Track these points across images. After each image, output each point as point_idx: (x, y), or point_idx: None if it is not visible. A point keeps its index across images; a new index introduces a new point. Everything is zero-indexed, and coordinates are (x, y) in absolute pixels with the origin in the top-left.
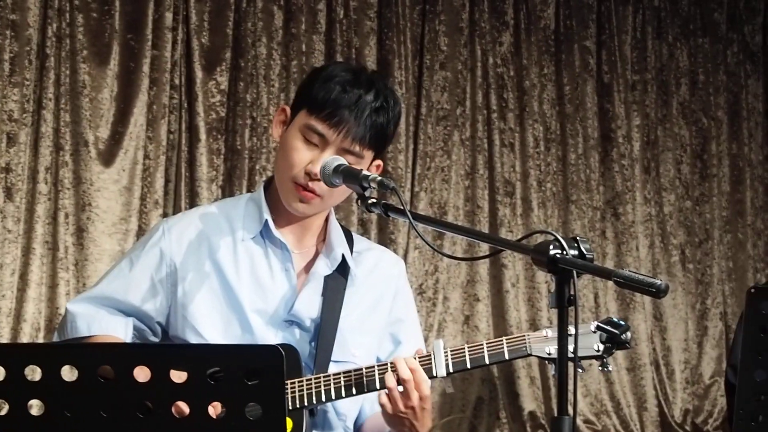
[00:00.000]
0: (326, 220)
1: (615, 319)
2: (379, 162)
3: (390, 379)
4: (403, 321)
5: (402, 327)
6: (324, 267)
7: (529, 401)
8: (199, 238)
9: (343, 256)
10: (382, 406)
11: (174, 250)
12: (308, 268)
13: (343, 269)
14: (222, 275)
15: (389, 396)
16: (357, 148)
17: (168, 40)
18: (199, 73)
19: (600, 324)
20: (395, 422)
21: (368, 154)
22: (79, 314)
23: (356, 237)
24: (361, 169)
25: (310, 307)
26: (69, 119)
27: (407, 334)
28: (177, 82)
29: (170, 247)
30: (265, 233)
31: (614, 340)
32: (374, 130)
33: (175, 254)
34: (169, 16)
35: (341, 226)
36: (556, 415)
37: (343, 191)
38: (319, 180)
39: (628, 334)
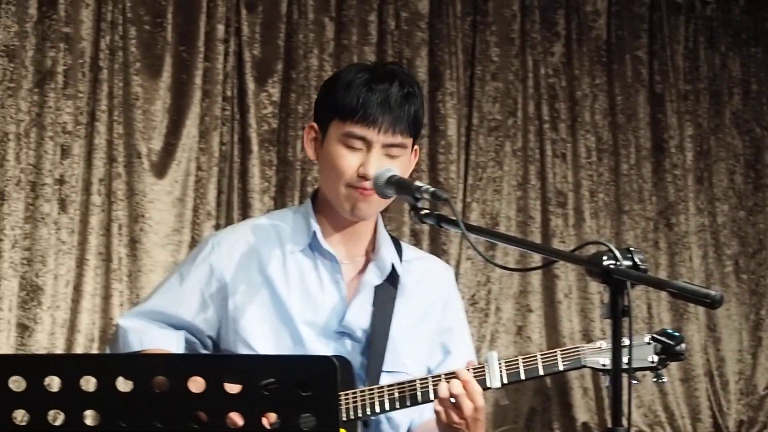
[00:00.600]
0: (374, 228)
1: (669, 331)
2: (416, 147)
3: (443, 390)
4: (452, 330)
5: (452, 336)
6: (374, 277)
7: (582, 412)
8: (248, 251)
9: (392, 265)
10: (436, 414)
11: (224, 264)
12: (358, 278)
13: (392, 278)
14: (272, 288)
15: (443, 407)
16: (399, 140)
17: (220, 52)
18: (251, 85)
19: (655, 335)
20: None
21: (409, 142)
22: (131, 329)
23: (405, 245)
24: (414, 180)
25: (360, 317)
26: (122, 131)
27: (457, 344)
28: (229, 93)
29: (220, 261)
30: (314, 245)
31: (669, 351)
32: (410, 118)
33: (225, 269)
34: (221, 28)
35: (390, 234)
36: (609, 426)
37: None
38: (370, 180)
39: (683, 345)
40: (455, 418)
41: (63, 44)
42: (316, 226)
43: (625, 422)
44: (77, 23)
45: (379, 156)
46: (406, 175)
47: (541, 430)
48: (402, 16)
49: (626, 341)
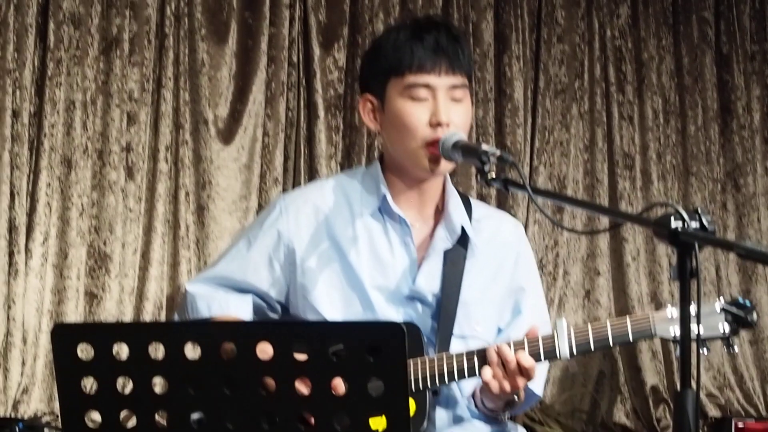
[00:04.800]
0: (443, 188)
1: (741, 300)
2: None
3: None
4: (524, 289)
5: (524, 296)
6: (444, 240)
7: (651, 375)
8: (316, 215)
9: (462, 227)
10: (485, 384)
11: (292, 230)
12: (428, 240)
13: (462, 240)
14: (341, 253)
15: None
16: (460, 80)
17: (285, 18)
18: (316, 50)
19: (725, 306)
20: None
21: (467, 83)
22: (199, 295)
23: (474, 203)
24: (480, 144)
25: (431, 281)
26: (188, 98)
27: (529, 304)
28: (295, 59)
29: (288, 227)
30: (383, 208)
31: (740, 320)
32: (465, 57)
33: (293, 234)
34: None
35: (458, 192)
36: (678, 389)
37: None
38: (448, 126)
39: (755, 314)
40: (507, 388)
41: (128, 11)
42: (385, 189)
43: (694, 385)
44: None
45: (446, 101)
46: (470, 120)
47: (610, 393)
48: None
49: (696, 308)
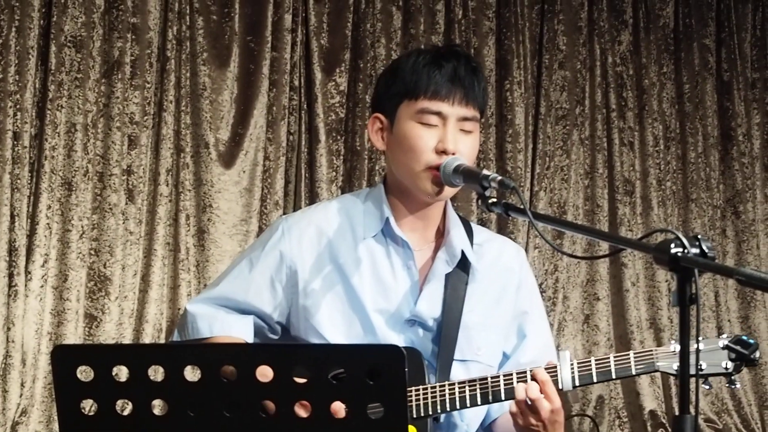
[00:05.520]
0: (444, 212)
1: (744, 338)
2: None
3: (520, 392)
4: (528, 313)
5: (527, 319)
6: (444, 264)
7: (650, 400)
8: (319, 237)
9: (462, 252)
10: (512, 416)
11: (294, 251)
12: (429, 263)
13: (463, 264)
14: (343, 275)
15: (519, 408)
16: (472, 112)
17: (287, 42)
18: (318, 75)
19: (729, 344)
20: None
21: (478, 117)
22: (200, 315)
23: (476, 228)
24: (482, 169)
25: (432, 306)
26: (189, 121)
27: (533, 327)
28: (296, 83)
29: (290, 248)
30: (386, 231)
31: (743, 358)
32: (480, 90)
33: (296, 256)
34: (288, 18)
35: (459, 216)
36: (677, 413)
37: None
38: (454, 154)
39: (758, 352)
40: (532, 420)
41: (130, 34)
42: (389, 212)
43: (693, 410)
44: (144, 13)
45: (455, 130)
46: (476, 153)
47: (609, 417)
48: (469, 5)
49: (698, 345)
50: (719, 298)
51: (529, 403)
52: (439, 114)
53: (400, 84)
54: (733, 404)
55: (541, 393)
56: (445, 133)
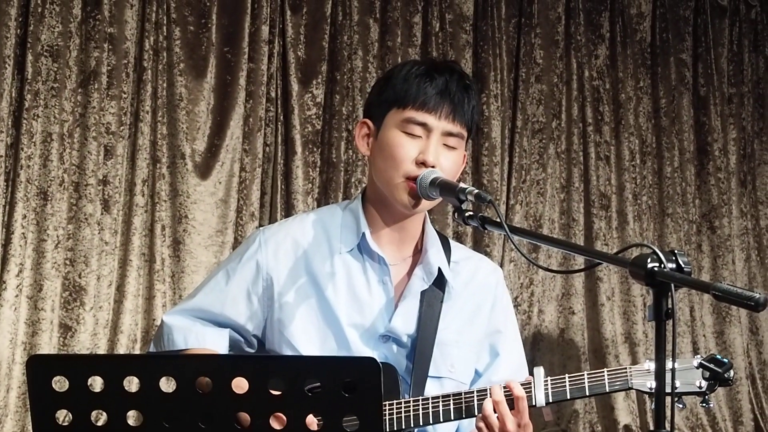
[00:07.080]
0: (422, 228)
1: (718, 357)
2: (465, 153)
3: (488, 407)
4: (501, 332)
5: (500, 338)
6: (420, 281)
7: (624, 414)
8: (295, 250)
9: (439, 269)
10: (478, 429)
11: (270, 263)
12: (406, 279)
13: (440, 281)
14: (319, 289)
15: (484, 423)
16: (458, 129)
17: (264, 53)
18: (295, 86)
19: (703, 362)
20: None
21: (464, 135)
22: (176, 327)
23: (453, 245)
24: (458, 182)
25: (407, 321)
26: (166, 132)
27: (506, 346)
28: (273, 95)
29: (267, 260)
30: (362, 246)
31: (717, 377)
32: (469, 108)
33: (272, 268)
34: (265, 30)
35: (438, 232)
36: (652, 429)
37: None
38: (434, 168)
39: (731, 372)
40: None
41: (107, 44)
42: (365, 227)
43: (668, 426)
44: (121, 23)
45: (438, 144)
46: (458, 172)
47: None
48: (446, 18)
49: (673, 364)
50: (694, 313)
51: (497, 416)
52: (424, 125)
53: (391, 92)
54: (707, 420)
55: (511, 408)
56: (428, 145)
